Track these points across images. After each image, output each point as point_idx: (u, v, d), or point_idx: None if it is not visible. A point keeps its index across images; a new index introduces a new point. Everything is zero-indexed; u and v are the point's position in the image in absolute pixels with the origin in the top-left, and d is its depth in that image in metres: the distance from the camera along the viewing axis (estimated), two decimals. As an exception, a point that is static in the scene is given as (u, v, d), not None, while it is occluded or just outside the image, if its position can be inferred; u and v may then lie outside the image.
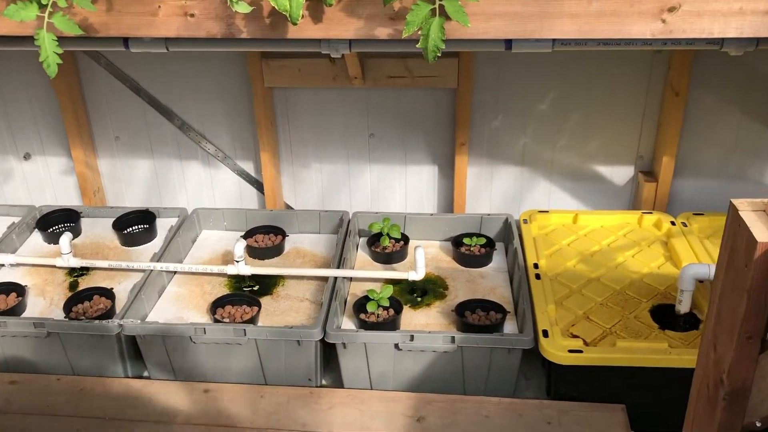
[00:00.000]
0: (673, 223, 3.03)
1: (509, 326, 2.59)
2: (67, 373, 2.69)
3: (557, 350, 2.35)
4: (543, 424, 2.38)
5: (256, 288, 2.87)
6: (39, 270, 2.98)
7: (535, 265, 2.79)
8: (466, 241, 3.02)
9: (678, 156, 3.10)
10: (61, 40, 2.05)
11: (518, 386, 2.59)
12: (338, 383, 2.65)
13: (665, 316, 2.54)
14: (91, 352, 2.62)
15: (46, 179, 3.60)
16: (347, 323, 2.65)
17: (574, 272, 2.80)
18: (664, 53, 2.94)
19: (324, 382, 2.73)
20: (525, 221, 3.10)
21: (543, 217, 3.13)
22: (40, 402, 2.52)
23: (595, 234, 3.04)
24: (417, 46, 1.91)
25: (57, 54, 2.04)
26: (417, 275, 2.73)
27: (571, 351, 2.34)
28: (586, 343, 2.41)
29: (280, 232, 3.16)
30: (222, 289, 2.86)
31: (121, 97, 3.32)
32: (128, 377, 2.70)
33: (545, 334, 2.41)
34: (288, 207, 3.53)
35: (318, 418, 2.43)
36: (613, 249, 2.94)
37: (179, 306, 2.77)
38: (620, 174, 3.26)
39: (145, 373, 2.70)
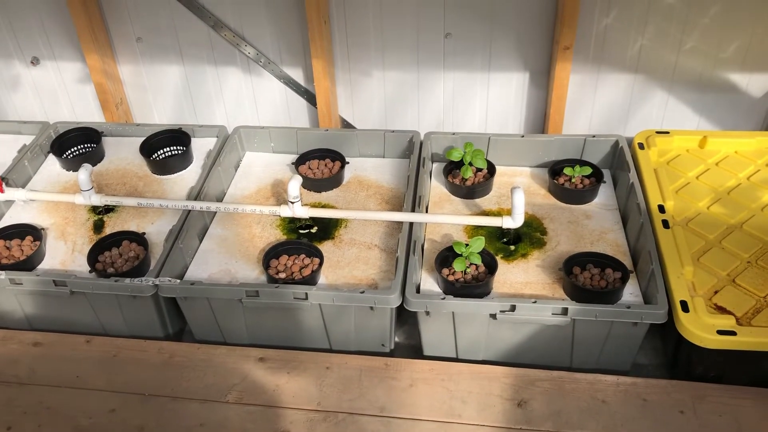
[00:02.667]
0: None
1: (629, 287, 2.09)
2: (97, 332, 2.30)
3: (702, 331, 1.85)
4: (674, 413, 1.93)
5: (314, 230, 2.38)
6: (58, 206, 2.53)
7: (661, 208, 2.24)
8: (566, 171, 2.46)
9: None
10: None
11: (637, 359, 2.14)
12: (414, 344, 2.22)
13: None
14: (123, 310, 2.21)
15: (60, 88, 3.07)
16: (426, 280, 2.17)
17: (710, 217, 2.25)
18: None
19: (397, 339, 2.31)
20: (641, 146, 2.51)
21: (663, 140, 2.53)
22: (69, 372, 2.13)
23: (730, 163, 2.45)
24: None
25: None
26: (514, 222, 2.21)
27: (720, 332, 1.84)
28: (737, 320, 1.90)
29: (338, 158, 2.63)
30: (274, 231, 2.39)
31: (141, -11, 2.72)
32: (168, 335, 2.30)
33: (684, 307, 1.91)
34: (345, 123, 2.97)
35: (397, 399, 2.01)
36: (756, 184, 2.36)
37: (224, 254, 2.31)
38: (758, 84, 2.61)
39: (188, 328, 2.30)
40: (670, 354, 2.14)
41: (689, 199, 2.32)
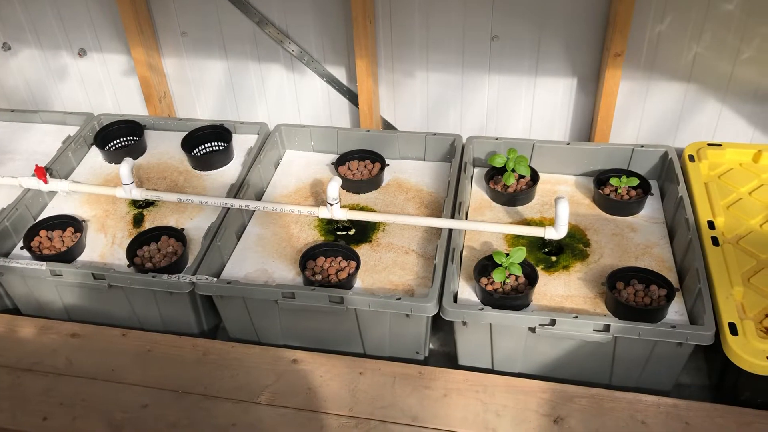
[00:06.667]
0: None
1: (675, 305, 2.02)
2: (134, 326, 2.31)
3: (751, 356, 1.78)
4: (717, 439, 1.86)
5: (352, 232, 2.36)
6: (99, 198, 2.55)
7: (710, 224, 2.16)
8: (613, 181, 2.39)
9: None
10: None
11: (680, 379, 2.07)
12: (449, 351, 2.19)
13: None
14: (159, 305, 2.22)
15: (106, 80, 3.10)
16: (464, 288, 2.13)
17: (763, 235, 2.16)
18: None
19: (431, 346, 2.28)
20: (691, 158, 2.42)
21: (715, 153, 2.44)
22: (105, 364, 2.15)
23: (785, 179, 2.36)
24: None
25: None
26: (557, 234, 2.15)
27: (772, 358, 1.77)
28: (790, 346, 1.82)
29: (378, 159, 2.60)
30: (312, 232, 2.37)
31: (188, -16, 2.72)
32: (203, 331, 2.30)
33: (733, 329, 1.84)
34: (387, 124, 2.93)
35: (431, 408, 1.97)
36: (812, 202, 2.27)
37: (262, 253, 2.30)
38: (818, 96, 2.51)
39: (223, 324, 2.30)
40: (715, 376, 2.07)
41: (741, 216, 2.23)
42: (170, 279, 2.10)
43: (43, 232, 2.37)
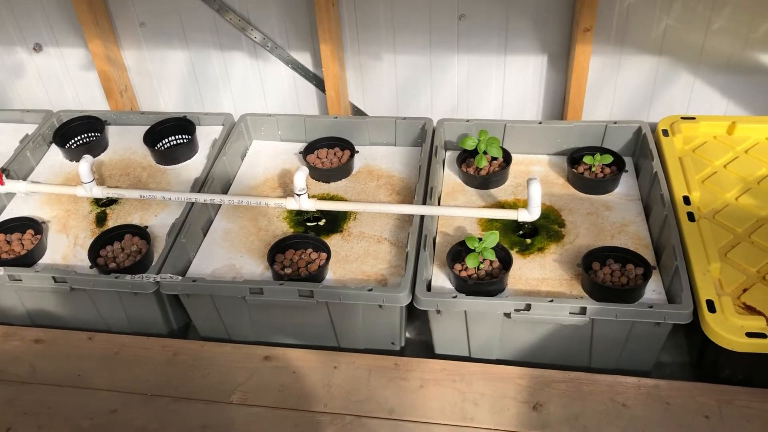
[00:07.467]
0: None
1: (652, 284, 1.98)
2: (101, 328, 2.24)
3: (730, 333, 1.74)
4: (699, 418, 1.83)
5: (322, 223, 2.30)
6: (60, 198, 2.46)
7: (686, 199, 2.12)
8: (586, 159, 2.34)
9: None
10: None
11: (660, 359, 2.04)
12: (426, 340, 2.14)
13: None
14: (125, 306, 2.14)
15: (65, 75, 3.00)
16: (438, 275, 2.08)
17: (739, 209, 2.12)
18: None
19: (408, 335, 2.23)
20: (665, 132, 2.38)
21: (689, 126, 2.40)
22: (70, 370, 2.08)
23: (760, 150, 2.32)
24: None
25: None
26: (530, 216, 2.10)
27: (750, 335, 1.73)
28: (768, 321, 1.79)
29: (348, 146, 2.53)
30: (281, 224, 2.31)
31: (143, -28, 2.62)
32: (173, 331, 2.24)
33: (710, 306, 1.80)
34: (356, 110, 2.86)
35: (407, 400, 1.93)
36: (788, 173, 2.23)
37: (229, 248, 2.23)
38: (791, 65, 2.47)
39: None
40: (695, 353, 2.04)
41: (716, 190, 2.19)
42: (134, 279, 2.03)
43: (0, 236, 2.28)
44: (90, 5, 2.63)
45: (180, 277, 2.03)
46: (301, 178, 2.16)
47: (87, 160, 2.28)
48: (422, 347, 2.21)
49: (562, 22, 2.47)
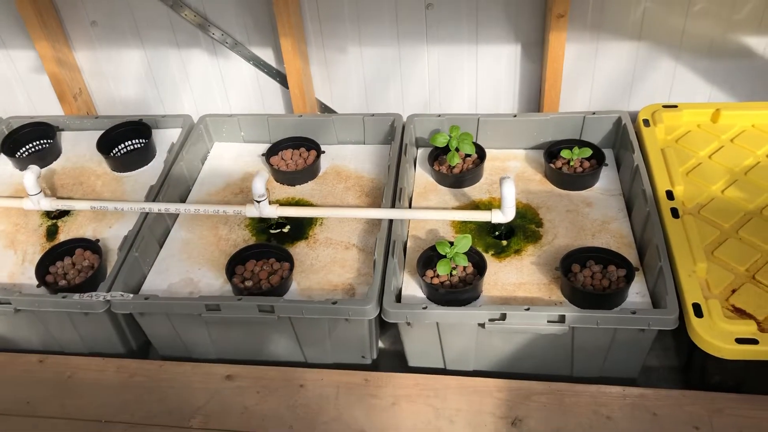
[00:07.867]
0: None
1: (635, 286, 1.86)
2: (54, 350, 2.10)
3: (719, 339, 1.62)
4: (688, 429, 1.71)
5: (286, 230, 2.16)
6: (8, 211, 2.31)
7: (669, 194, 2.00)
8: (564, 153, 2.22)
9: None
10: None
11: (646, 365, 1.92)
12: (401, 350, 2.00)
13: None
14: (77, 327, 2.01)
15: (16, 79, 2.84)
16: (409, 283, 1.95)
17: (725, 202, 2.00)
18: None
19: (381, 345, 2.11)
20: (646, 122, 2.25)
21: (671, 115, 2.27)
22: (19, 396, 1.94)
23: (747, 138, 2.20)
24: None
25: None
26: (504, 217, 1.97)
27: (740, 341, 1.61)
28: (759, 325, 1.67)
29: (314, 146, 2.40)
30: (242, 232, 2.17)
31: (90, -33, 2.46)
32: (132, 350, 2.10)
33: (697, 311, 1.68)
34: (323, 107, 2.72)
35: (378, 420, 1.80)
36: (776, 162, 2.11)
37: (187, 261, 2.09)
38: (777, 47, 2.35)
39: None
40: (683, 358, 1.92)
41: (701, 183, 2.07)
42: (82, 299, 1.89)
43: (-57, 255, 2.14)
44: (34, 4, 2.47)
45: (131, 295, 1.89)
46: (259, 184, 2.02)
47: (33, 171, 2.14)
48: (397, 358, 2.08)
49: (535, 8, 2.34)
